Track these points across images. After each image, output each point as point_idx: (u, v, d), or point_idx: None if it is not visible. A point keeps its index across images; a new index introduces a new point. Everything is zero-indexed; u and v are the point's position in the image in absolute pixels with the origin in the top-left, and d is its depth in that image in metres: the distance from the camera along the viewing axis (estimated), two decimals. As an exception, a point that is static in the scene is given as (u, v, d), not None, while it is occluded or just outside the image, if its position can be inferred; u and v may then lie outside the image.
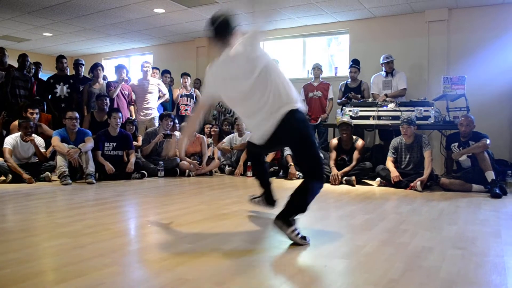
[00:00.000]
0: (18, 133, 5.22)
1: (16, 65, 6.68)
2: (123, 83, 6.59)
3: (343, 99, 6.58)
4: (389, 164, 5.20)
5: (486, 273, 1.94)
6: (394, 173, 5.03)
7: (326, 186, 5.22)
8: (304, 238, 2.35)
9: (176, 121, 6.89)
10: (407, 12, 7.03)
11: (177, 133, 6.49)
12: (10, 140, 5.15)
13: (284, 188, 4.70)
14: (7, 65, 6.68)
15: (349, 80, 6.83)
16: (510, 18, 6.40)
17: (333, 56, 8.58)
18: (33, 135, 5.26)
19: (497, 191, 4.39)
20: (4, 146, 5.10)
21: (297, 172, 5.79)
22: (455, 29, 6.75)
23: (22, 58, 6.64)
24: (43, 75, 7.37)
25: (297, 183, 2.50)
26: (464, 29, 6.68)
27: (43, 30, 8.60)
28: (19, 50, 8.69)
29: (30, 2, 6.75)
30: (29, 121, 5.23)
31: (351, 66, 6.77)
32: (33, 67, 6.97)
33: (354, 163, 5.43)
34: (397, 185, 4.98)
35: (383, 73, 6.50)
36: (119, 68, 6.68)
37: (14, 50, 8.32)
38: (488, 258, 2.15)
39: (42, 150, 5.34)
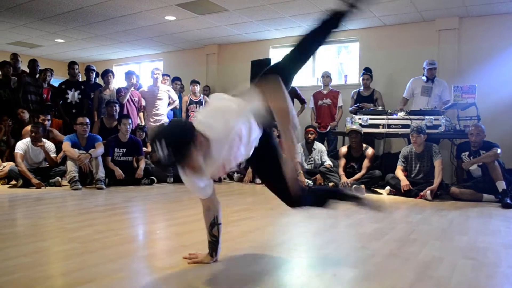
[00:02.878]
0: (29, 138, 5.27)
1: (28, 70, 6.78)
2: (132, 88, 6.65)
3: (354, 107, 6.53)
4: (399, 172, 5.16)
5: (497, 284, 1.92)
6: (404, 181, 4.99)
7: (335, 194, 5.19)
8: None
9: None
10: (417, 21, 7.01)
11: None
12: (21, 145, 5.21)
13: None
14: (20, 71, 6.79)
15: (362, 88, 6.78)
16: (521, 27, 6.36)
17: (342, 64, 8.57)
18: (44, 140, 5.31)
19: (508, 201, 4.34)
20: (16, 151, 5.15)
21: (306, 180, 5.77)
22: (466, 38, 6.70)
23: (33, 63, 6.75)
24: (55, 81, 7.46)
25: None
26: (475, 38, 6.63)
27: (56, 37, 8.71)
28: (31, 56, 8.78)
29: (43, 8, 6.84)
30: (39, 127, 5.28)
31: (363, 74, 6.69)
32: (49, 74, 7.07)
33: (363, 171, 5.40)
34: (407, 194, 4.94)
35: (424, 77, 6.18)
36: (128, 74, 6.73)
37: (26, 56, 8.42)
38: (500, 269, 2.12)
39: (53, 155, 5.38)
